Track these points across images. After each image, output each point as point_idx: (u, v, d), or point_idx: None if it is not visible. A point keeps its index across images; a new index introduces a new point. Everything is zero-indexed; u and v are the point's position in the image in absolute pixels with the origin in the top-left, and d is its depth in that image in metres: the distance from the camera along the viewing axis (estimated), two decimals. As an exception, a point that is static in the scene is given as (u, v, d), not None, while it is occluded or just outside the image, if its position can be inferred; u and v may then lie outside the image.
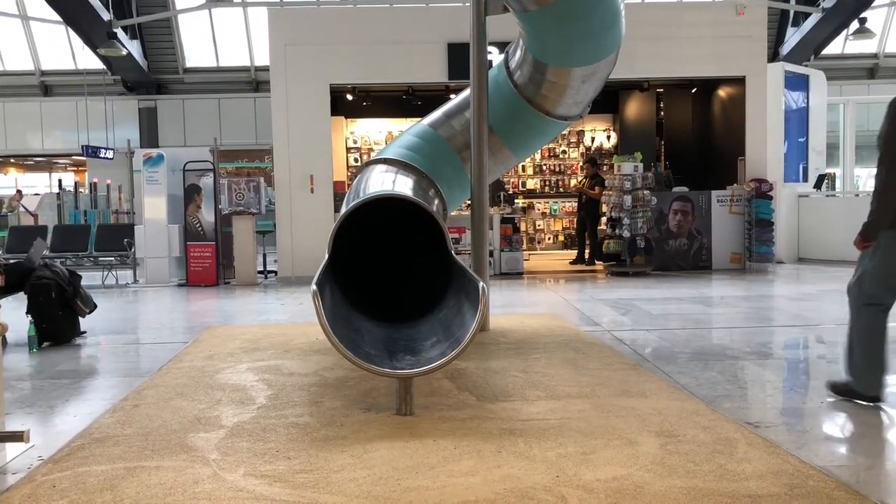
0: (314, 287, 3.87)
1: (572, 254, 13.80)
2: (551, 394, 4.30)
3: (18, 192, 18.92)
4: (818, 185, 13.26)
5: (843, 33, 19.53)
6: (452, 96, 7.16)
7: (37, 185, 24.03)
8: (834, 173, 16.21)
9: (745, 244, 11.64)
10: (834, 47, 20.80)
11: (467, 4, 6.57)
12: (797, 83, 12.96)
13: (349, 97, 13.46)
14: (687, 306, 7.98)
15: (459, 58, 10.47)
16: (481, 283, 4.05)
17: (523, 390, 4.39)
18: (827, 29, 18.89)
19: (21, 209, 16.28)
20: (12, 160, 23.87)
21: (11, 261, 7.29)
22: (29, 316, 6.30)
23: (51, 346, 6.30)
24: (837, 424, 3.97)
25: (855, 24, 16.67)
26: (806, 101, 13.09)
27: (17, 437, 3.34)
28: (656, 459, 3.17)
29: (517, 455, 3.26)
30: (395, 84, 12.59)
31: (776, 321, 7.29)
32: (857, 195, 14.13)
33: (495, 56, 9.25)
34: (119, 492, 2.93)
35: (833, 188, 15.35)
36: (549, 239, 15.86)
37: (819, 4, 18.20)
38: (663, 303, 8.23)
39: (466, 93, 6.59)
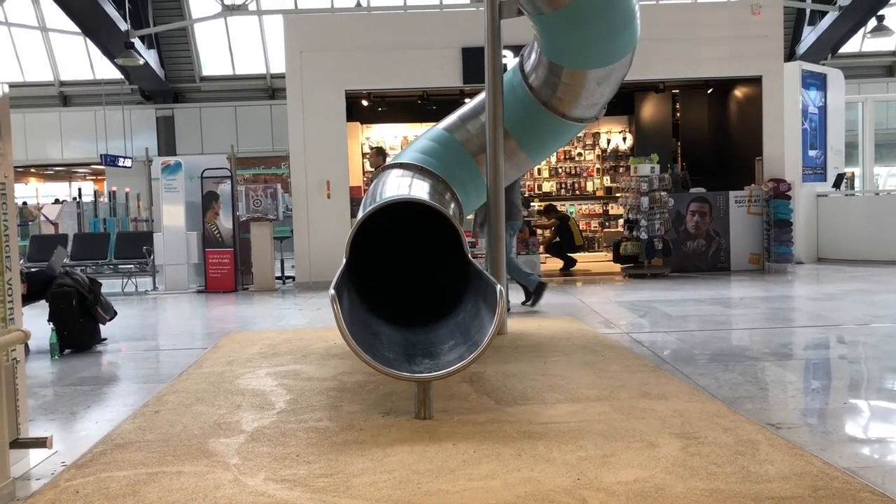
0: (332, 292, 3.88)
1: (589, 256, 13.79)
2: (570, 397, 4.28)
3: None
4: (837, 185, 13.15)
5: (861, 31, 19.38)
6: (467, 100, 7.16)
7: (57, 194, 24.28)
8: (853, 172, 16.07)
9: (763, 245, 11.55)
10: (851, 45, 20.64)
11: (481, 8, 6.57)
12: (815, 82, 12.87)
13: (364, 103, 13.50)
14: (706, 308, 7.93)
15: (474, 62, 10.50)
16: (499, 287, 4.04)
17: (542, 393, 4.37)
18: (844, 27, 18.75)
19: (41, 218, 16.46)
20: (33, 170, 24.15)
21: (33, 269, 7.38)
22: (50, 323, 6.36)
23: (72, 354, 6.35)
24: (861, 425, 3.92)
25: (872, 22, 16.53)
26: (824, 99, 12.99)
27: (41, 443, 3.36)
28: (677, 461, 3.15)
29: (537, 458, 3.24)
30: (410, 89, 12.61)
31: (796, 322, 7.23)
32: (876, 194, 14.01)
33: (510, 60, 9.25)
34: (141, 497, 2.95)
35: (852, 187, 15.21)
36: (565, 242, 15.79)
37: (836, 2, 18.07)
38: (682, 304, 8.18)
39: (481, 96, 6.59)
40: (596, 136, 15.60)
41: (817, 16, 19.13)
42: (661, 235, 11.01)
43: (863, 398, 4.40)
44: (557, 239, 12.52)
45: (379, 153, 9.86)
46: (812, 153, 12.84)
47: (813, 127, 12.83)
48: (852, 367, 5.17)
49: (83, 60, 21.14)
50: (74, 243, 12.39)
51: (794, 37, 19.98)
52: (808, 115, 12.69)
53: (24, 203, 19.59)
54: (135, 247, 12.05)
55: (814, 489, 2.82)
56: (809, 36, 19.45)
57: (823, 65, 15.03)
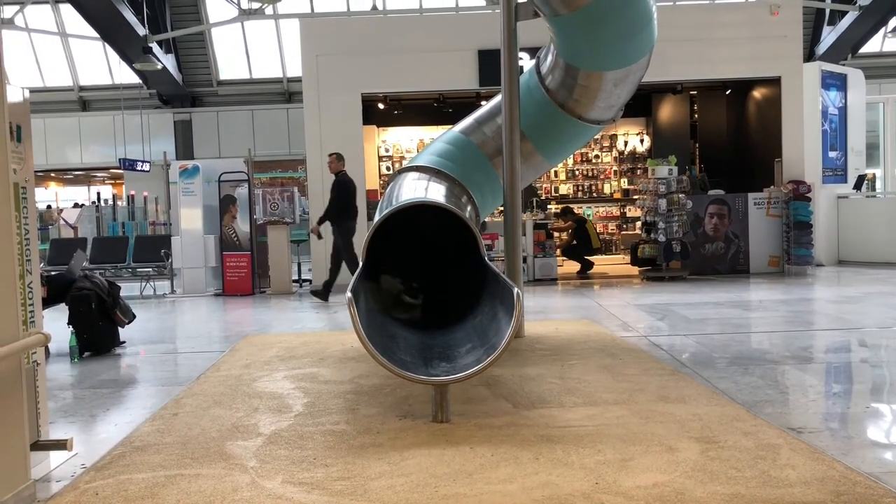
0: (349, 294, 3.88)
1: (607, 259, 13.71)
2: (588, 400, 4.26)
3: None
4: (857, 186, 13.01)
5: (882, 31, 19.17)
6: (483, 103, 7.15)
7: (76, 198, 24.50)
8: (874, 174, 15.90)
9: (783, 247, 11.45)
10: (872, 45, 20.42)
11: (497, 11, 6.57)
12: (835, 82, 12.75)
13: (381, 106, 13.52)
14: (725, 310, 7.87)
15: (490, 64, 10.49)
16: (516, 289, 4.03)
17: (560, 397, 4.35)
18: (864, 27, 18.56)
19: (61, 222, 16.60)
20: (52, 174, 24.38)
21: (53, 273, 7.45)
22: (70, 327, 6.41)
23: (91, 356, 6.40)
24: (883, 430, 3.88)
25: (893, 22, 16.36)
26: (844, 100, 12.86)
27: (61, 445, 3.39)
28: (697, 466, 3.12)
29: (555, 462, 3.23)
30: (426, 92, 12.63)
31: (817, 325, 7.16)
32: (898, 195, 13.83)
33: (526, 62, 9.24)
34: (160, 499, 2.96)
35: (873, 189, 15.05)
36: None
37: (856, 2, 17.89)
38: (700, 307, 8.12)
39: (498, 99, 6.58)
40: (613, 137, 15.53)
41: (837, 15, 18.95)
42: (679, 238, 10.94)
43: (885, 402, 4.34)
44: (574, 241, 12.48)
45: (339, 159, 9.92)
46: (832, 154, 12.71)
47: (833, 128, 12.70)
48: (874, 371, 5.10)
49: (102, 65, 21.32)
50: (93, 247, 12.48)
51: (813, 37, 19.80)
52: (827, 116, 12.57)
53: (49, 206, 19.76)
54: (153, 250, 12.14)
55: (836, 494, 2.78)
56: (829, 36, 19.26)
57: (843, 65, 14.88)
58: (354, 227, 9.73)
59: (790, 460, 3.15)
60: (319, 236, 9.75)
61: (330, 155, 10.00)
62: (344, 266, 9.53)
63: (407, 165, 6.62)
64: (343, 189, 9.63)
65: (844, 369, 5.27)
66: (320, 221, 9.78)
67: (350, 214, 9.69)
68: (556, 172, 15.47)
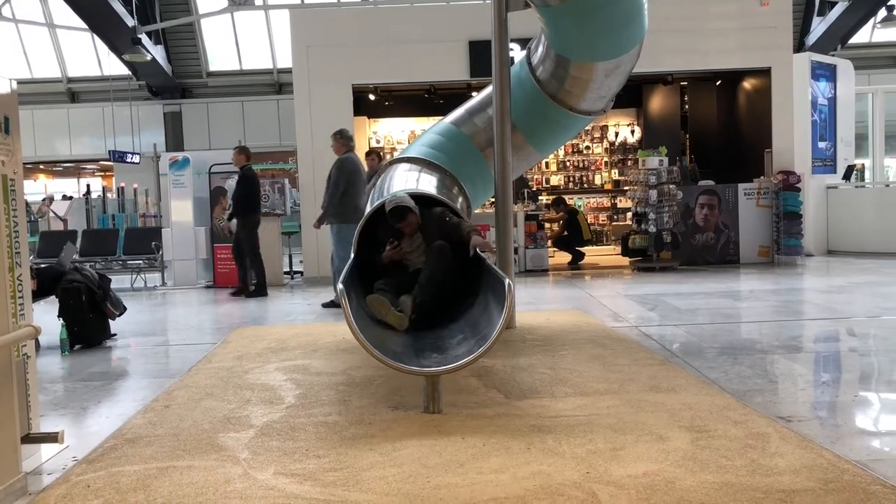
0: (341, 286, 3.89)
1: (598, 250, 13.75)
2: (579, 390, 4.27)
3: (50, 197, 19.11)
4: (847, 177, 13.07)
5: (871, 21, 19.22)
6: (475, 94, 7.15)
7: (66, 190, 24.36)
8: (863, 164, 15.99)
9: (773, 237, 11.49)
10: (861, 36, 20.46)
11: (488, 1, 6.55)
12: (824, 73, 12.78)
13: (371, 97, 13.49)
14: (715, 301, 7.91)
15: (481, 55, 10.46)
16: (507, 280, 4.04)
17: (551, 387, 4.37)
18: (854, 17, 18.59)
19: (51, 214, 16.52)
20: (41, 166, 24.23)
21: (43, 265, 7.41)
22: (60, 319, 6.38)
23: (82, 349, 6.38)
24: (871, 418, 3.91)
25: (883, 12, 16.39)
26: (833, 91, 12.90)
27: (52, 438, 3.39)
28: (687, 455, 3.14)
29: (546, 452, 3.24)
30: (417, 83, 12.60)
31: (806, 314, 7.20)
32: (887, 186, 13.92)
33: (517, 53, 9.22)
34: (152, 491, 2.97)
35: (862, 179, 15.12)
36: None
37: (845, -7, 17.93)
38: (691, 297, 8.15)
39: (489, 90, 6.57)
40: (604, 128, 15.54)
41: (826, 6, 18.97)
42: (669, 228, 10.97)
43: (873, 391, 4.38)
44: (566, 232, 12.51)
45: (242, 152, 9.99)
46: (822, 145, 12.76)
47: (822, 118, 12.75)
48: (863, 360, 5.14)
49: (91, 57, 21.16)
50: (84, 239, 12.42)
51: (803, 27, 19.83)
52: (817, 107, 12.61)
53: (44, 199, 19.59)
54: (143, 242, 12.08)
55: (824, 482, 2.81)
56: (819, 27, 19.30)
57: (833, 56, 14.91)
58: (259, 221, 10.04)
59: (779, 449, 3.17)
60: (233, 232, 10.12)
61: (234, 148, 10.11)
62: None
63: (398, 156, 6.61)
64: (251, 184, 9.86)
65: (833, 358, 5.31)
66: (230, 218, 10.11)
67: (257, 209, 10.02)
68: (546, 163, 15.47)
